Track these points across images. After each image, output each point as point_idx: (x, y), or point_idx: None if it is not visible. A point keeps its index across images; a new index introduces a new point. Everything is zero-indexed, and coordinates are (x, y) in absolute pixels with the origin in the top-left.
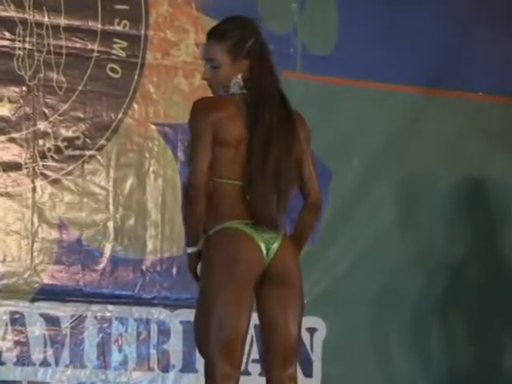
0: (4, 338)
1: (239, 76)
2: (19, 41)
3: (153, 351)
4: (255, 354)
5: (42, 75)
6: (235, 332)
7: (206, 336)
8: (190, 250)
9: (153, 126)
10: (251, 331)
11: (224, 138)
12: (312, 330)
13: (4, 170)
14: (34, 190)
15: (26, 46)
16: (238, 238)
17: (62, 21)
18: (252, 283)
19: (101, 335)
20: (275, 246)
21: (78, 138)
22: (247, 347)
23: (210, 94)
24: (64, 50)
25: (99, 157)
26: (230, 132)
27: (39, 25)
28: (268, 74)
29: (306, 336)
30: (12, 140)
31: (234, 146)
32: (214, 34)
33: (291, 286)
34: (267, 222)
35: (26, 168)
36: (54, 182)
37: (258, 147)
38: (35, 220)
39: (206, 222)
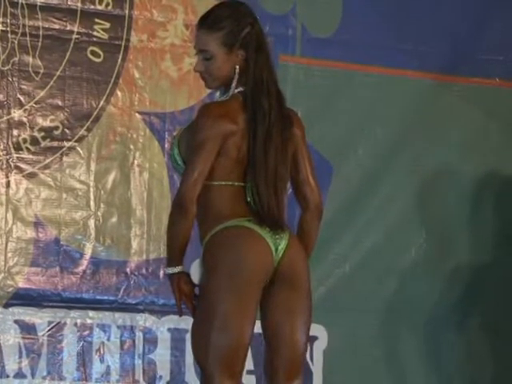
0: None
1: (237, 70)
2: None
3: (138, 361)
4: (250, 365)
5: (16, 59)
6: (238, 342)
7: (205, 345)
8: (170, 271)
9: (138, 115)
10: None
11: (230, 151)
12: (312, 339)
13: None
14: (7, 184)
15: None
16: (245, 236)
17: None
18: (260, 287)
19: (81, 344)
20: (283, 244)
21: (56, 127)
22: None
23: (201, 81)
24: (41, 32)
25: (79, 149)
26: (237, 147)
27: (13, 4)
28: (266, 68)
29: None
30: None
31: (237, 154)
32: (205, 23)
33: (299, 288)
34: (273, 221)
35: None
36: (30, 176)
37: (258, 148)
38: (9, 218)
39: (205, 226)
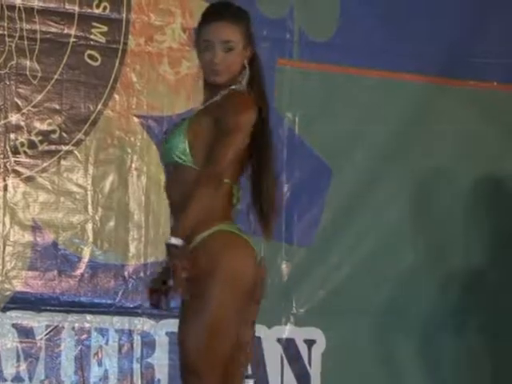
0: None
1: (247, 65)
2: None
3: (136, 365)
4: (248, 369)
5: (14, 63)
6: (233, 347)
7: (205, 350)
8: (179, 242)
9: (135, 119)
10: None
11: (245, 143)
12: (310, 342)
13: None
14: (5, 188)
15: None
16: (242, 245)
17: (36, 3)
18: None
19: (79, 348)
20: (259, 254)
21: (53, 131)
22: None
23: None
24: (38, 35)
25: (77, 152)
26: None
27: (11, 7)
28: (262, 72)
29: (303, 349)
30: None
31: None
32: (227, 14)
33: (260, 300)
34: (268, 231)
35: None
36: (28, 180)
37: (260, 153)
38: (7, 221)
39: (199, 222)
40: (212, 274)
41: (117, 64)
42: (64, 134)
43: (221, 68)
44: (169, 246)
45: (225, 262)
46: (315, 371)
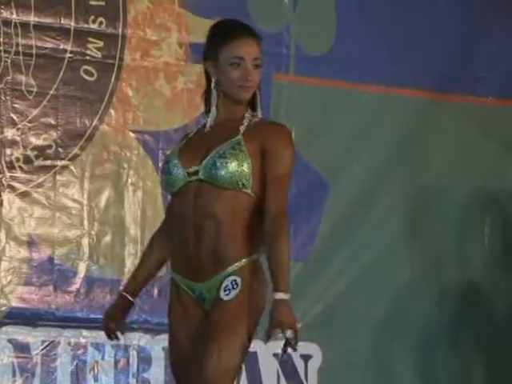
0: None
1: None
2: None
3: (132, 380)
4: (244, 383)
5: (9, 78)
6: None
7: (232, 375)
8: (288, 296)
9: (131, 134)
10: None
11: None
12: (306, 357)
13: None
14: (0, 203)
15: None
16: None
17: (32, 18)
18: None
19: (75, 363)
20: None
21: (49, 146)
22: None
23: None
24: (34, 51)
25: (72, 167)
26: None
27: (6, 22)
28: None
29: (299, 364)
30: None
31: None
32: (252, 33)
33: None
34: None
35: None
36: (23, 195)
37: None
38: (2, 237)
39: (242, 244)
40: (248, 302)
41: (113, 79)
42: (60, 149)
43: (251, 84)
44: (279, 302)
45: (260, 292)
46: None
